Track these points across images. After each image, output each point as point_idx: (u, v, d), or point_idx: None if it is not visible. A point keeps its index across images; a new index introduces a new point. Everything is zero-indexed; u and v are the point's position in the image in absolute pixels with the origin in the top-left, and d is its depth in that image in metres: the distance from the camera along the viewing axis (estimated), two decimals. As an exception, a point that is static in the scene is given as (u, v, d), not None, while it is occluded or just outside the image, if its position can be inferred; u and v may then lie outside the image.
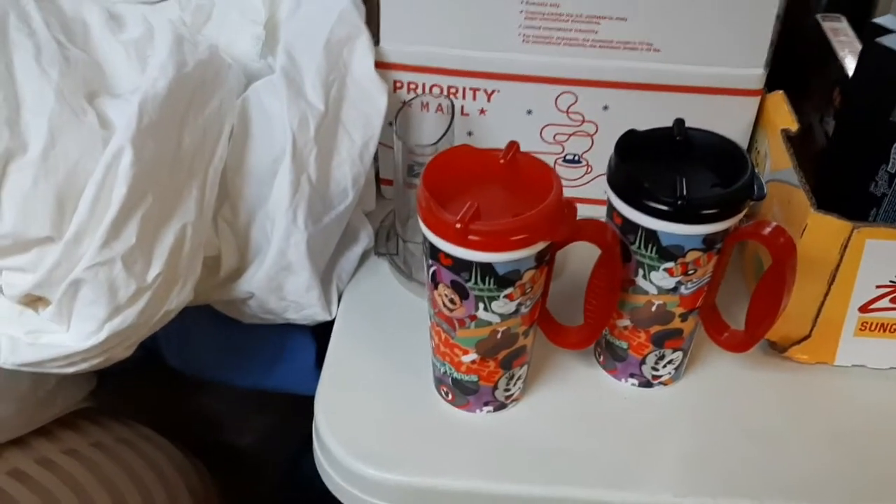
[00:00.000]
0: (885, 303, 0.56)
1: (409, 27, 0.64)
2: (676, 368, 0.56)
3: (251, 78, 0.65)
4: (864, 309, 0.56)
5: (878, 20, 0.60)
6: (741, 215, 0.49)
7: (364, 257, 0.67)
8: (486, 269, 0.46)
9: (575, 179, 0.70)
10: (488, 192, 0.49)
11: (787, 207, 0.58)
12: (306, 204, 0.58)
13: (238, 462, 0.83)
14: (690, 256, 0.49)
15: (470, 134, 0.68)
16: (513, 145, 0.50)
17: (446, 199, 0.48)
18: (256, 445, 0.83)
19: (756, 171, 0.50)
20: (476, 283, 0.47)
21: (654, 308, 0.52)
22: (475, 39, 0.63)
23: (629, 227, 0.50)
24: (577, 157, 0.68)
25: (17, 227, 0.48)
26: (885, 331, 0.57)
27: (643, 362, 0.55)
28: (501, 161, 0.50)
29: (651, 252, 0.50)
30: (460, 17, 0.63)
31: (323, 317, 0.62)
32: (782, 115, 0.63)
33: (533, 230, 0.46)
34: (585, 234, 0.48)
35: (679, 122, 0.52)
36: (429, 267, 0.49)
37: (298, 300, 0.60)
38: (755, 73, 0.63)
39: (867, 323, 0.56)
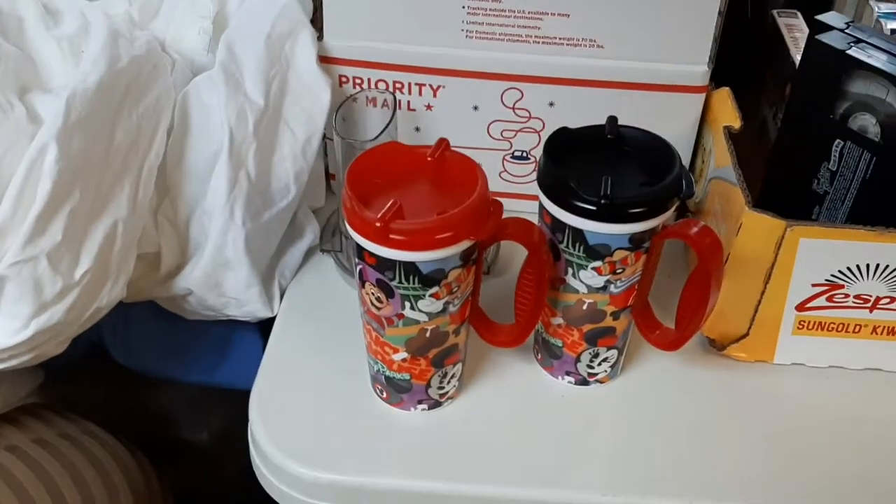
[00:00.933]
0: (821, 301, 0.55)
1: (353, 22, 0.63)
2: (612, 366, 0.56)
3: (198, 73, 0.65)
4: (800, 307, 0.56)
5: (822, 17, 0.60)
6: (668, 214, 0.49)
7: (309, 253, 0.66)
8: (410, 268, 0.46)
9: (523, 176, 0.69)
10: (415, 190, 0.49)
11: (726, 205, 0.58)
12: (244, 200, 0.58)
13: (195, 459, 0.83)
14: (618, 255, 0.49)
15: (417, 129, 0.68)
16: (442, 142, 0.50)
17: (373, 197, 0.48)
18: (213, 442, 0.83)
19: (686, 168, 0.50)
20: (400, 281, 0.47)
21: (584, 306, 0.52)
22: (419, 35, 0.63)
23: (557, 225, 0.49)
24: (524, 154, 0.68)
25: (-62, 224, 0.48)
26: (822, 329, 0.57)
27: (578, 360, 0.55)
28: (429, 158, 0.49)
29: (579, 251, 0.49)
30: (404, 13, 0.62)
31: (264, 313, 0.62)
32: (726, 111, 0.63)
33: (457, 229, 0.46)
34: (511, 232, 0.48)
35: (611, 120, 0.52)
36: (356, 265, 0.49)
37: (238, 297, 0.60)
38: (699, 70, 0.63)
39: (804, 321, 0.56)
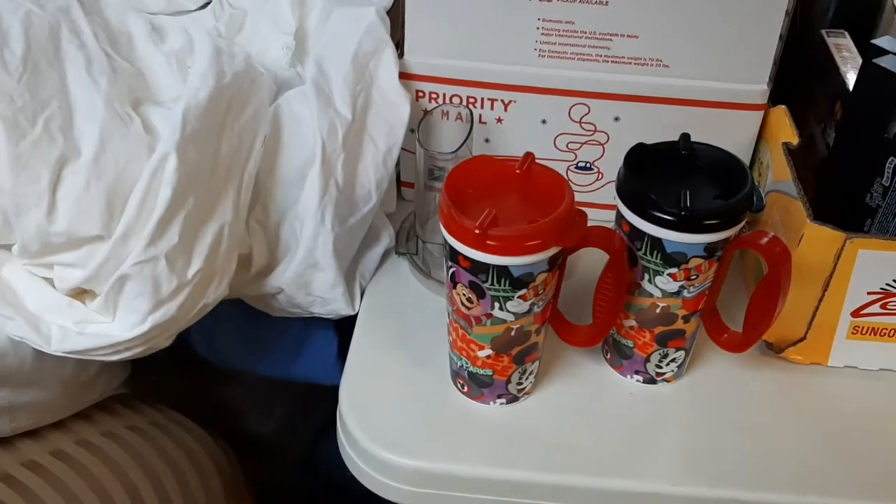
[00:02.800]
0: (875, 308, 0.59)
1: (432, 41, 0.68)
2: (679, 366, 0.60)
3: (281, 86, 0.69)
4: (856, 314, 0.59)
5: (877, 41, 0.63)
6: (741, 225, 0.53)
7: (385, 256, 0.70)
8: (502, 272, 0.50)
9: (587, 185, 0.73)
10: (505, 200, 0.53)
11: (786, 216, 0.61)
12: (333, 206, 0.62)
13: (259, 448, 0.87)
14: (693, 263, 0.53)
15: (487, 141, 0.72)
16: (528, 156, 0.54)
17: (466, 206, 0.52)
18: (277, 433, 0.87)
19: (756, 184, 0.54)
20: (492, 284, 0.51)
21: (658, 310, 0.56)
22: (493, 53, 0.67)
23: (636, 234, 0.53)
24: (588, 165, 0.72)
25: (71, 226, 0.52)
26: (875, 334, 0.60)
27: (648, 360, 0.59)
28: (517, 171, 0.53)
29: (656, 258, 0.53)
30: (480, 33, 0.66)
31: (347, 311, 0.66)
32: (784, 128, 0.67)
33: (546, 236, 0.50)
34: (594, 240, 0.52)
35: (685, 137, 0.56)
36: (448, 268, 0.53)
37: (324, 296, 0.64)
38: (759, 89, 0.67)
39: (859, 327, 0.60)
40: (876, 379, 0.62)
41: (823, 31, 0.82)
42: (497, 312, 0.52)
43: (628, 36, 0.65)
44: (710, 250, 0.53)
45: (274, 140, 0.64)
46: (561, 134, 0.71)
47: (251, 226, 0.64)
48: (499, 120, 0.71)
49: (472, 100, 0.70)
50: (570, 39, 0.66)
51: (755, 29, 0.64)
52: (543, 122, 0.70)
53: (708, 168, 0.55)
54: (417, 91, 0.70)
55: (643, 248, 0.53)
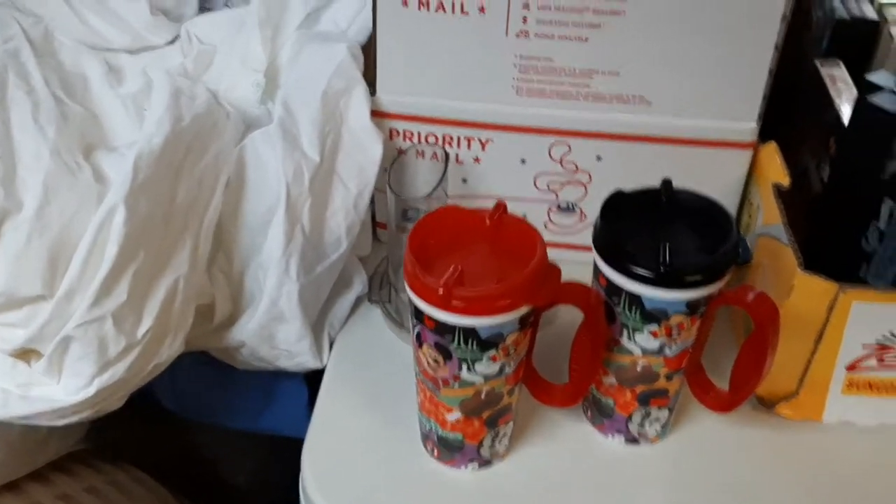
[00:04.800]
0: (871, 362, 0.56)
1: (405, 79, 0.65)
2: (663, 426, 0.56)
3: (251, 123, 0.66)
4: (851, 367, 0.56)
5: (871, 77, 0.60)
6: (725, 280, 0.49)
7: (358, 303, 0.67)
8: (469, 333, 0.47)
9: (569, 227, 0.70)
10: (474, 254, 0.50)
11: (776, 263, 0.58)
12: (299, 254, 0.59)
13: (231, 501, 0.83)
14: (674, 320, 0.50)
15: (465, 181, 0.69)
16: (499, 206, 0.51)
17: (433, 260, 0.48)
18: (249, 484, 0.84)
19: (741, 234, 0.51)
20: (459, 345, 0.47)
21: (639, 368, 0.52)
22: (469, 91, 0.64)
23: (613, 289, 0.50)
24: (571, 206, 0.69)
25: (10, 286, 0.49)
26: (872, 389, 0.57)
27: (629, 420, 0.55)
28: (488, 222, 0.50)
29: (635, 315, 0.50)
30: (454, 70, 0.63)
31: (314, 365, 0.63)
32: (774, 167, 0.63)
33: (516, 295, 0.46)
34: (568, 298, 0.49)
35: (666, 183, 0.53)
36: (413, 327, 0.50)
37: (290, 349, 0.61)
38: (748, 127, 0.64)
39: (854, 381, 0.57)
40: (874, 435, 0.58)
41: (817, 61, 0.78)
42: (465, 374, 0.49)
43: (609, 73, 0.62)
44: (692, 307, 0.49)
45: (238, 183, 0.61)
46: (541, 174, 0.67)
47: (213, 275, 0.61)
48: (476, 159, 0.67)
49: (448, 139, 0.67)
50: (549, 77, 0.63)
51: (742, 64, 0.61)
52: (523, 161, 0.67)
53: (691, 216, 0.52)
54: (391, 129, 0.67)
55: (621, 304, 0.50)
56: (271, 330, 0.60)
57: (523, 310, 0.47)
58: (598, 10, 0.60)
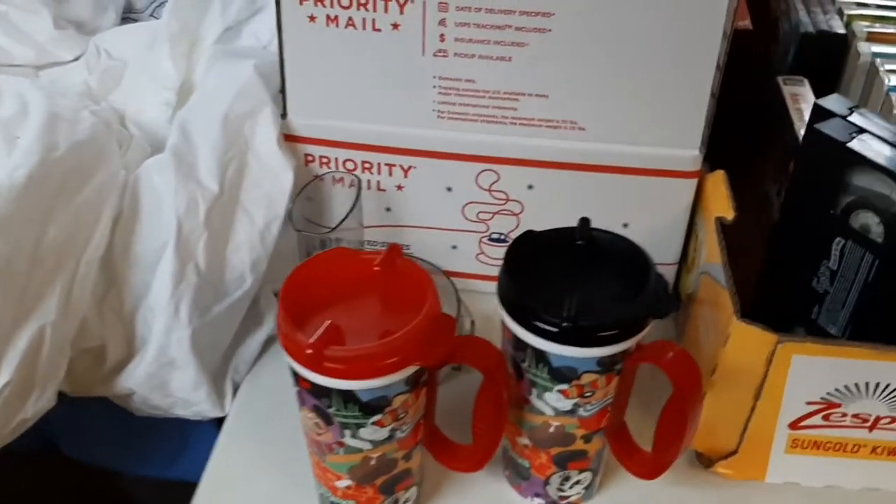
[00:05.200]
0: (817, 420, 0.50)
1: (318, 100, 0.59)
2: (587, 488, 0.51)
3: (161, 146, 0.61)
4: (794, 426, 0.50)
5: (823, 101, 0.55)
6: (642, 334, 0.44)
7: (270, 342, 0.62)
8: (348, 396, 0.42)
9: (501, 259, 0.64)
10: (359, 304, 0.45)
11: (714, 309, 0.53)
12: (192, 295, 0.54)
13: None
14: (586, 378, 0.44)
15: (388, 210, 0.63)
16: (393, 250, 0.45)
17: (312, 313, 0.43)
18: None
19: (664, 281, 0.45)
20: (338, 409, 0.42)
21: (552, 429, 0.47)
22: (387, 114, 0.59)
23: (519, 344, 0.45)
24: (503, 237, 0.64)
25: None
26: (818, 448, 0.51)
27: (547, 483, 0.50)
28: (376, 267, 0.45)
29: (542, 372, 0.45)
30: (371, 92, 0.58)
31: (214, 413, 0.57)
32: (720, 198, 0.58)
33: (402, 353, 0.41)
34: (465, 356, 0.43)
35: (583, 223, 0.47)
36: (294, 386, 0.44)
37: (185, 397, 0.56)
38: (690, 155, 0.58)
39: (799, 440, 0.51)
40: (820, 497, 0.53)
41: (780, 78, 0.73)
42: (349, 441, 0.44)
43: (537, 95, 0.57)
44: (605, 364, 0.44)
45: (131, 215, 0.56)
46: (470, 203, 0.62)
47: (104, 314, 0.56)
48: (399, 187, 0.62)
49: (367, 164, 0.61)
50: (472, 99, 0.57)
51: (682, 86, 0.56)
52: (449, 189, 0.62)
53: (610, 260, 0.47)
54: (306, 155, 0.61)
55: (528, 361, 0.45)
56: (163, 377, 0.55)
57: (410, 370, 0.42)
58: (520, 28, 0.54)
